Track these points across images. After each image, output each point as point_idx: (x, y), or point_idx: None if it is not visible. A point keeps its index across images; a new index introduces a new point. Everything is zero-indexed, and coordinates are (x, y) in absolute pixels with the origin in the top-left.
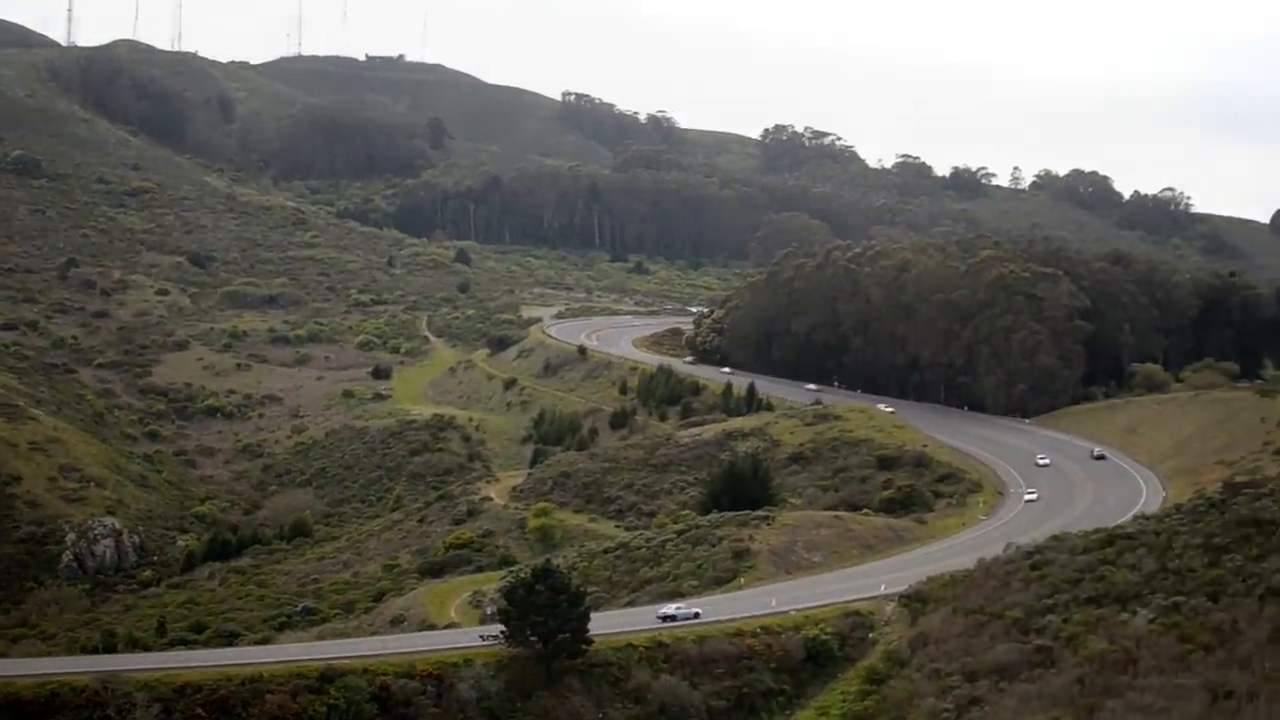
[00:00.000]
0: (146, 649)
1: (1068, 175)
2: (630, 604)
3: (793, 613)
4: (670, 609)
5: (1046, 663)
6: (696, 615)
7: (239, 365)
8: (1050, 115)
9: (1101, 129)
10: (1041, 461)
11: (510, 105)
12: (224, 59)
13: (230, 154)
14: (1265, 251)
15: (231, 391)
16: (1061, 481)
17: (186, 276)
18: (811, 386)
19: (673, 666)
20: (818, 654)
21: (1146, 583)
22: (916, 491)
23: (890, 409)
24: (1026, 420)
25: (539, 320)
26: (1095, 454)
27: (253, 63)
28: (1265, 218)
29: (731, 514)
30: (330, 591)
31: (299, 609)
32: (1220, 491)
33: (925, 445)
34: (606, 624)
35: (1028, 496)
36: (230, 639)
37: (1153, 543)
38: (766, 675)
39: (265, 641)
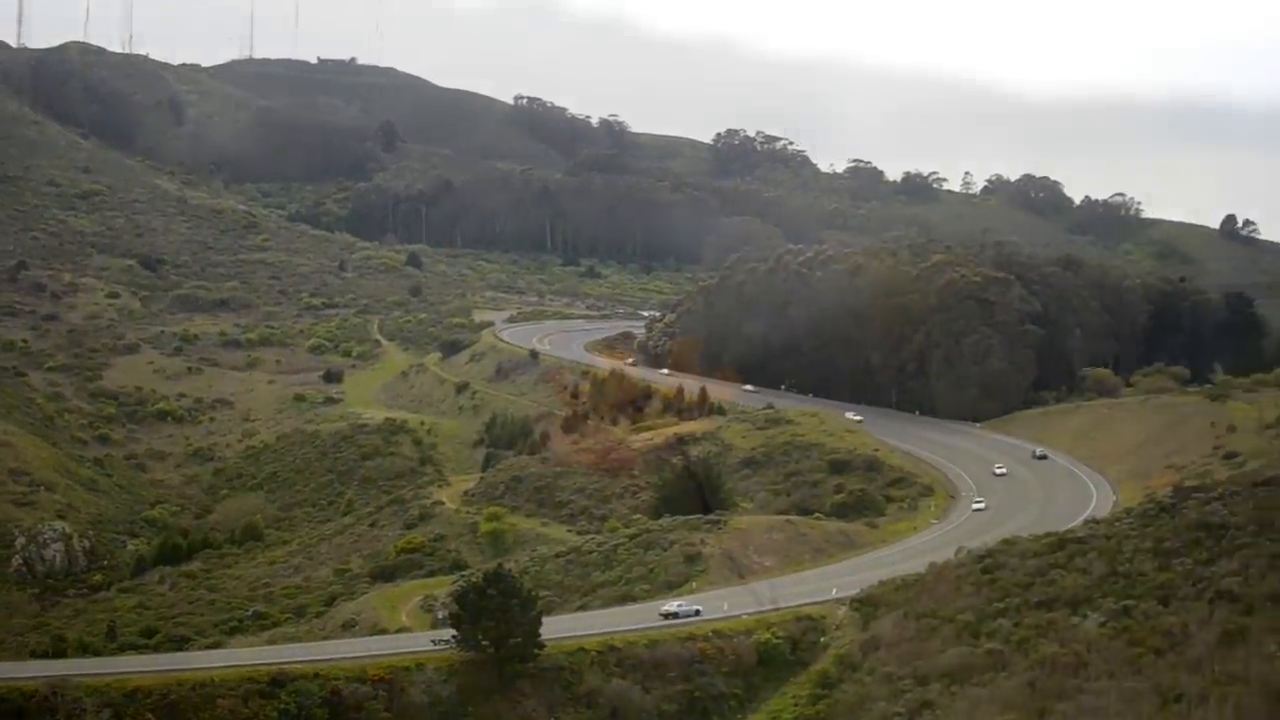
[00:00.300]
0: (97, 654)
1: (1019, 180)
2: (582, 608)
3: (787, 607)
4: (672, 606)
5: (997, 666)
6: (697, 612)
7: (190, 369)
8: (1002, 120)
9: (1052, 134)
10: (999, 471)
11: (462, 109)
12: (175, 61)
13: (181, 157)
14: (1215, 257)
15: (182, 395)
16: (1013, 486)
17: (137, 280)
18: (748, 388)
19: (624, 670)
20: (769, 658)
21: (1097, 586)
22: (868, 496)
23: (859, 417)
24: (978, 424)
25: (491, 324)
26: (1037, 454)
27: (204, 65)
28: (1215, 223)
29: (683, 518)
30: (281, 596)
31: (249, 613)
32: (1170, 496)
33: (877, 450)
34: (601, 623)
35: (975, 506)
36: (181, 644)
37: (1103, 547)
38: (718, 679)
39: (216, 646)
